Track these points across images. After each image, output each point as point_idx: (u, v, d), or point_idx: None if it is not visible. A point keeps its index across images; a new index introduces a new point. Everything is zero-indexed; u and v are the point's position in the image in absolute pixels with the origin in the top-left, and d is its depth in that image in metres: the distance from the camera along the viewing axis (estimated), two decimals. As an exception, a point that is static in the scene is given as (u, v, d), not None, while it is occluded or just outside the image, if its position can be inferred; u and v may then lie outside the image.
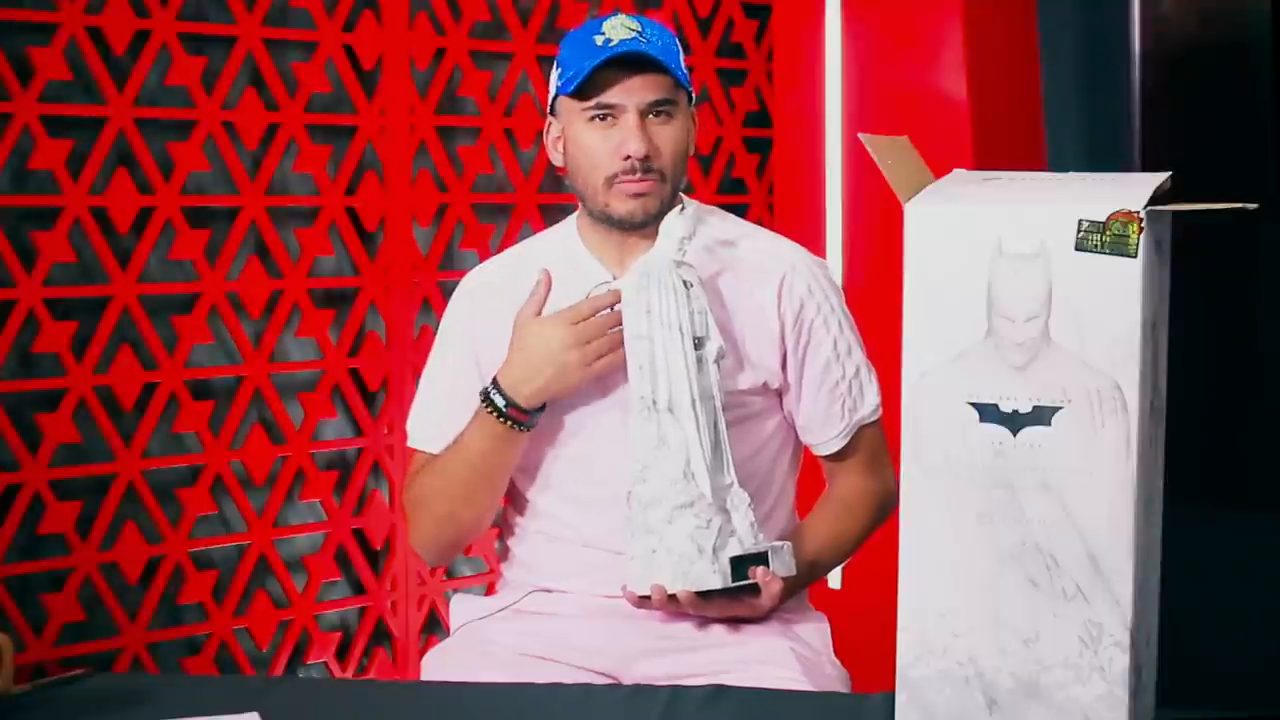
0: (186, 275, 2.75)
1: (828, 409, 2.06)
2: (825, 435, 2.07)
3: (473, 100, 3.07)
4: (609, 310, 1.94)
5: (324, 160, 2.88)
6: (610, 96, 1.96)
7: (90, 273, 2.63)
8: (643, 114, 1.96)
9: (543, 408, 1.97)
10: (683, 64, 2.00)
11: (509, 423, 1.95)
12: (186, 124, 2.71)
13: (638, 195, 1.97)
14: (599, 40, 1.96)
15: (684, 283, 1.89)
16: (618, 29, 1.97)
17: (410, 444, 2.12)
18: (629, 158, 1.95)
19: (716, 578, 1.84)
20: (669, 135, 1.98)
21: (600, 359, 1.94)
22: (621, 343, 1.92)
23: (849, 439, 2.08)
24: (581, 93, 1.97)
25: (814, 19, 3.39)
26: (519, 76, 3.09)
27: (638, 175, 1.96)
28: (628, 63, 1.95)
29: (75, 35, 2.57)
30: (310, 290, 2.87)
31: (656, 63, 1.95)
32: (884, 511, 2.10)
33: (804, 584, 2.03)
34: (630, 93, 1.96)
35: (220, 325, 2.78)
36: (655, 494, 1.86)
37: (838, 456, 2.09)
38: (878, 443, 2.11)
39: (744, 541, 1.86)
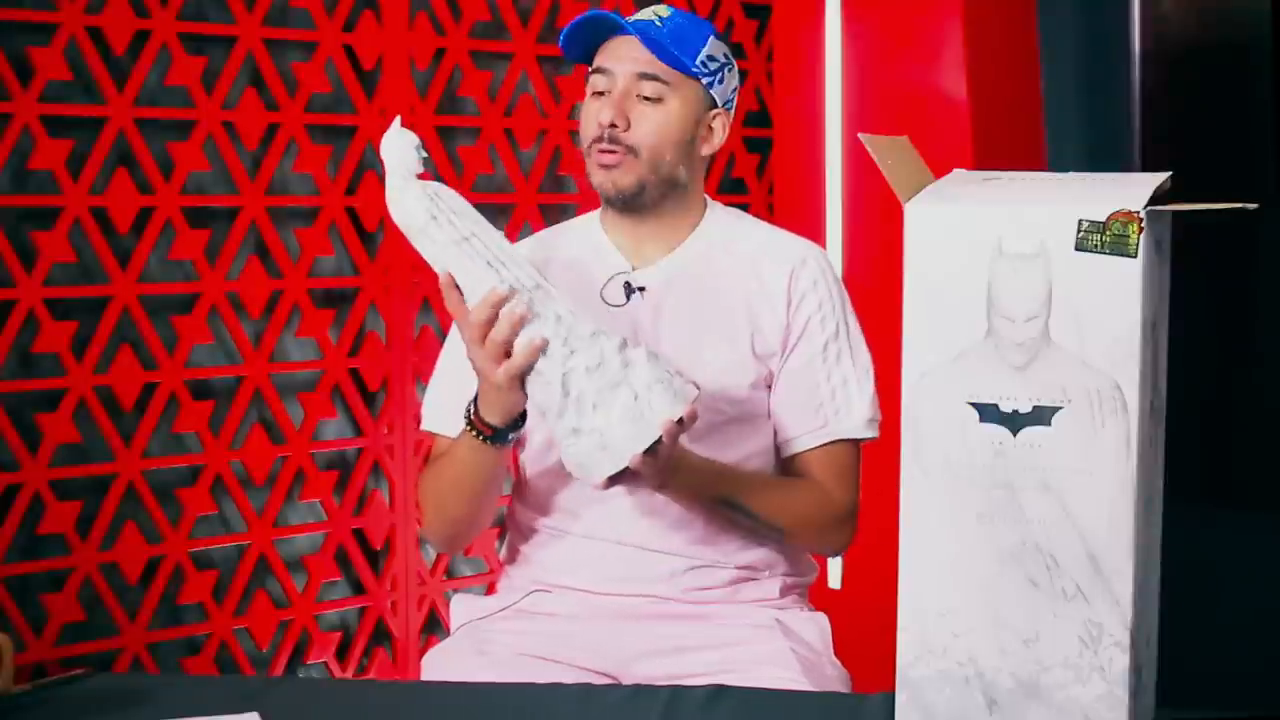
0: (186, 275, 2.75)
1: (801, 403, 2.01)
2: (793, 432, 2.01)
3: (473, 100, 3.07)
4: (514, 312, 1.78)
5: (324, 160, 2.88)
6: (602, 59, 2.01)
7: (90, 273, 2.63)
8: (632, 87, 1.98)
9: (516, 425, 1.88)
10: (697, 55, 2.00)
11: (476, 434, 1.90)
12: (186, 124, 2.71)
13: (605, 167, 1.98)
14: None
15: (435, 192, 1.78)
16: (646, 11, 2.03)
17: (423, 427, 2.12)
18: (601, 124, 1.97)
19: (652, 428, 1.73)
20: (654, 116, 1.99)
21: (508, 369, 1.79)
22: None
23: (818, 444, 2.01)
24: (588, 58, 2.03)
25: (814, 19, 3.39)
26: (519, 76, 3.09)
27: (606, 144, 1.97)
28: (623, 30, 1.99)
29: (75, 35, 2.57)
30: (310, 290, 2.87)
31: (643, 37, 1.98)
32: (827, 522, 2.01)
33: (710, 502, 1.95)
34: (619, 58, 1.99)
35: (220, 325, 2.78)
36: (579, 389, 1.75)
37: (803, 458, 2.02)
38: (848, 461, 2.03)
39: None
